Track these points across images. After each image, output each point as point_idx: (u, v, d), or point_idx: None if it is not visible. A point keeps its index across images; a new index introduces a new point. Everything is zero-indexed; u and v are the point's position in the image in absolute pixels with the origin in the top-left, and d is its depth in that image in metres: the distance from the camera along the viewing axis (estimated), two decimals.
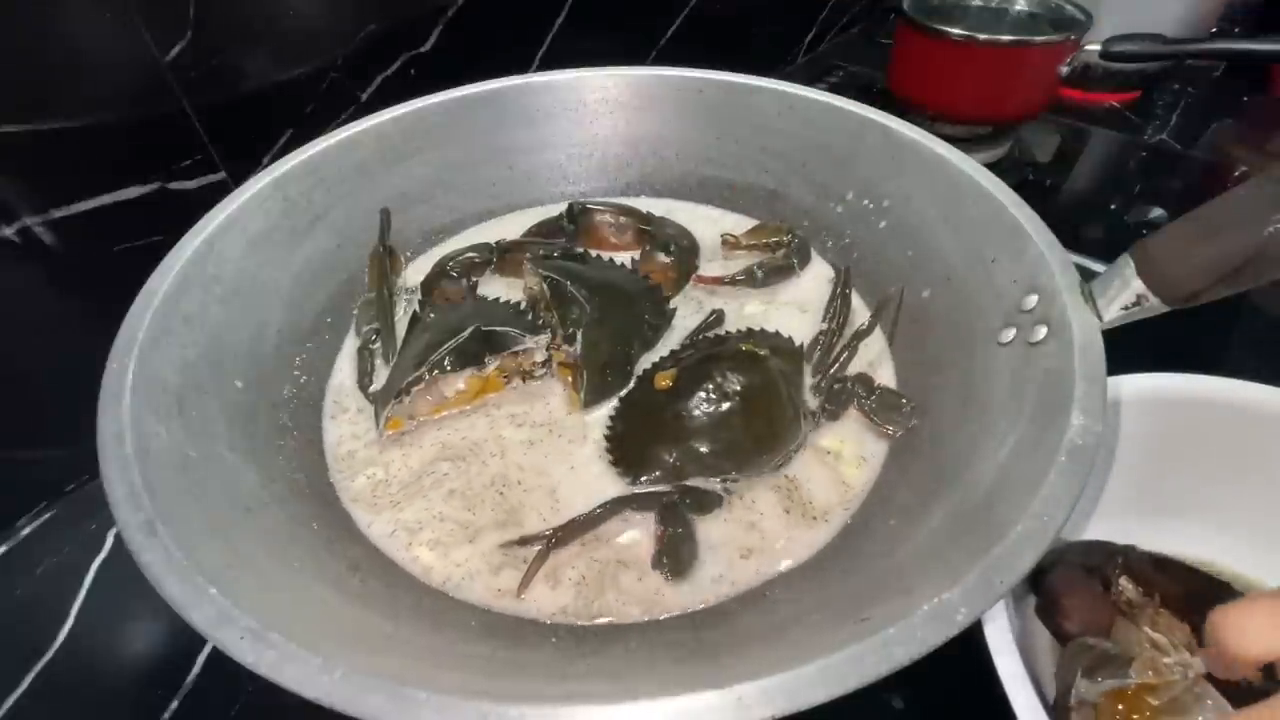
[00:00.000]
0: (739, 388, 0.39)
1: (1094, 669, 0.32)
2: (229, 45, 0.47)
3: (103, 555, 0.45)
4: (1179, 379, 0.38)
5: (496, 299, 0.46)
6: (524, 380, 0.43)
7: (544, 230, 0.53)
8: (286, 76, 0.50)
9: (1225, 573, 0.38)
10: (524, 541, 0.35)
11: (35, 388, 0.45)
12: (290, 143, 0.51)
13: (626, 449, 0.39)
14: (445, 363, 0.40)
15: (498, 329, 0.42)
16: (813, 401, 0.42)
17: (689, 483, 0.38)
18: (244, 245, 0.41)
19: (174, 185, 0.47)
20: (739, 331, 0.45)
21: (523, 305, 0.46)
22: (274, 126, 0.51)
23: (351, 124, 0.48)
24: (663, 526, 0.36)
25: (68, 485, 0.48)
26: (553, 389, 0.44)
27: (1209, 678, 0.31)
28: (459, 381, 0.41)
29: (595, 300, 0.44)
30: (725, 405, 0.39)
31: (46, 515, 0.47)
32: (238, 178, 0.48)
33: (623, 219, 0.53)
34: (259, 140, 0.51)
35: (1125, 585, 0.36)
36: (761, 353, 0.42)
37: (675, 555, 0.35)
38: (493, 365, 0.41)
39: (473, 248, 0.51)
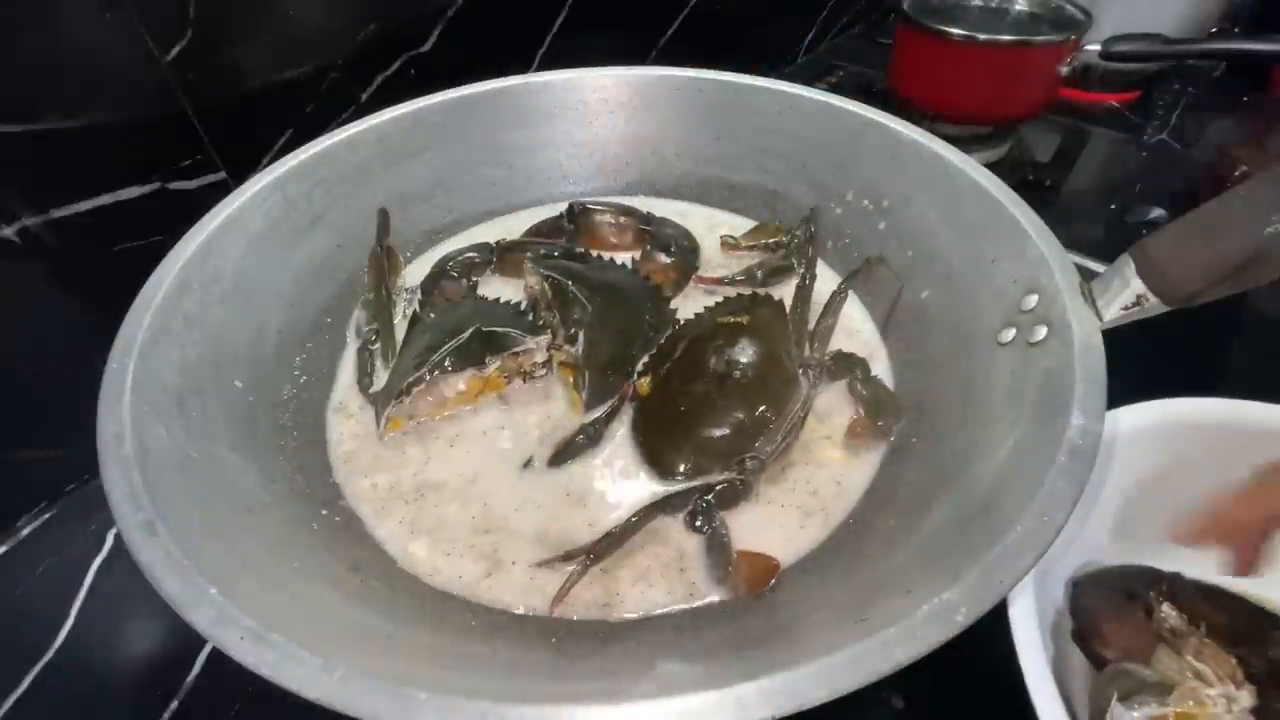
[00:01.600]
0: (730, 364, 0.39)
1: (1131, 695, 0.31)
2: (229, 45, 0.47)
3: (103, 555, 0.45)
4: (1202, 403, 0.37)
5: (497, 299, 0.46)
6: (524, 381, 0.43)
7: (544, 230, 0.53)
8: (286, 76, 0.50)
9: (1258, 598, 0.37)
10: (567, 557, 0.35)
11: (35, 388, 0.45)
12: (290, 143, 0.51)
13: (648, 452, 0.39)
14: (445, 363, 0.40)
15: (498, 329, 0.42)
16: (806, 354, 0.42)
17: (708, 479, 0.37)
18: (244, 245, 0.41)
19: (174, 185, 0.47)
20: (717, 304, 0.45)
21: (523, 306, 0.46)
22: (274, 126, 0.51)
23: (351, 124, 0.48)
24: (697, 534, 0.36)
25: (68, 485, 0.48)
26: (554, 390, 0.44)
27: (1255, 712, 0.30)
28: (459, 382, 0.41)
29: (597, 300, 0.44)
30: (722, 386, 0.39)
31: (46, 515, 0.47)
32: (238, 178, 0.48)
33: (623, 219, 0.53)
34: (259, 140, 0.51)
35: (1169, 613, 0.34)
36: (743, 320, 0.42)
37: (714, 560, 0.35)
38: (493, 366, 0.41)
39: (473, 247, 0.51)
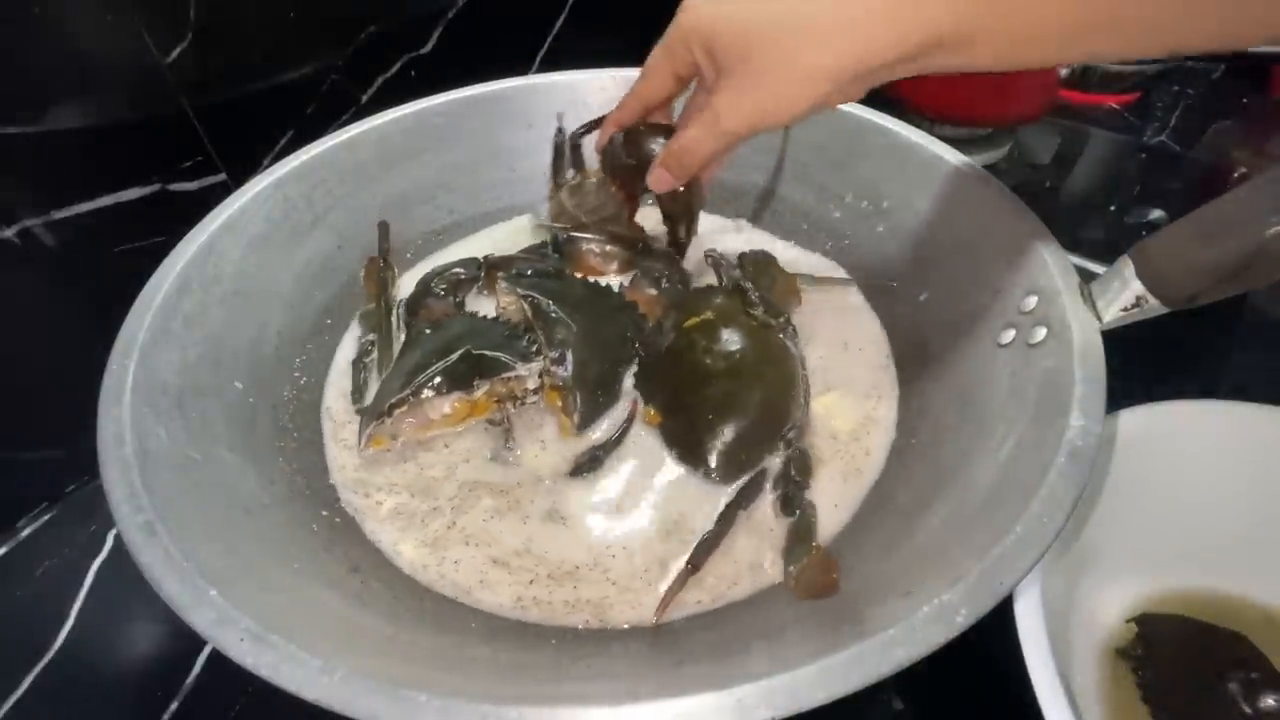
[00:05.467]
0: (728, 356, 0.40)
1: None
2: (229, 46, 0.47)
3: (103, 556, 0.45)
4: (1202, 406, 0.37)
5: (494, 318, 0.44)
6: (514, 407, 0.41)
7: (534, 252, 0.51)
8: (287, 78, 0.50)
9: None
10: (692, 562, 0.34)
11: (35, 388, 0.45)
12: (291, 144, 0.51)
13: (694, 457, 0.38)
14: (432, 385, 0.38)
15: (489, 353, 0.40)
16: (774, 322, 0.43)
17: (764, 466, 0.38)
18: (244, 246, 0.41)
19: (174, 186, 0.47)
20: (665, 313, 0.45)
21: (520, 328, 0.43)
22: (274, 128, 0.51)
23: (352, 125, 0.48)
24: (786, 516, 0.36)
25: (68, 486, 0.48)
26: (543, 412, 0.42)
27: None
28: (445, 405, 0.39)
29: (579, 318, 0.42)
30: (734, 378, 0.39)
31: (47, 516, 0.47)
32: (238, 179, 0.48)
33: (609, 248, 0.50)
34: (259, 141, 0.51)
35: None
36: (709, 315, 0.42)
37: (796, 542, 0.34)
38: (481, 390, 0.39)
39: (459, 263, 0.48)
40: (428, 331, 0.43)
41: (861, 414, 0.42)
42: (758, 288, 0.45)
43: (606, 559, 0.36)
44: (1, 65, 0.38)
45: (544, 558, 0.36)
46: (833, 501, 0.38)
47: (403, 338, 0.44)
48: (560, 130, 0.53)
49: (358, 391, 0.43)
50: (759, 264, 0.48)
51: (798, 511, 0.35)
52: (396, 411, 0.38)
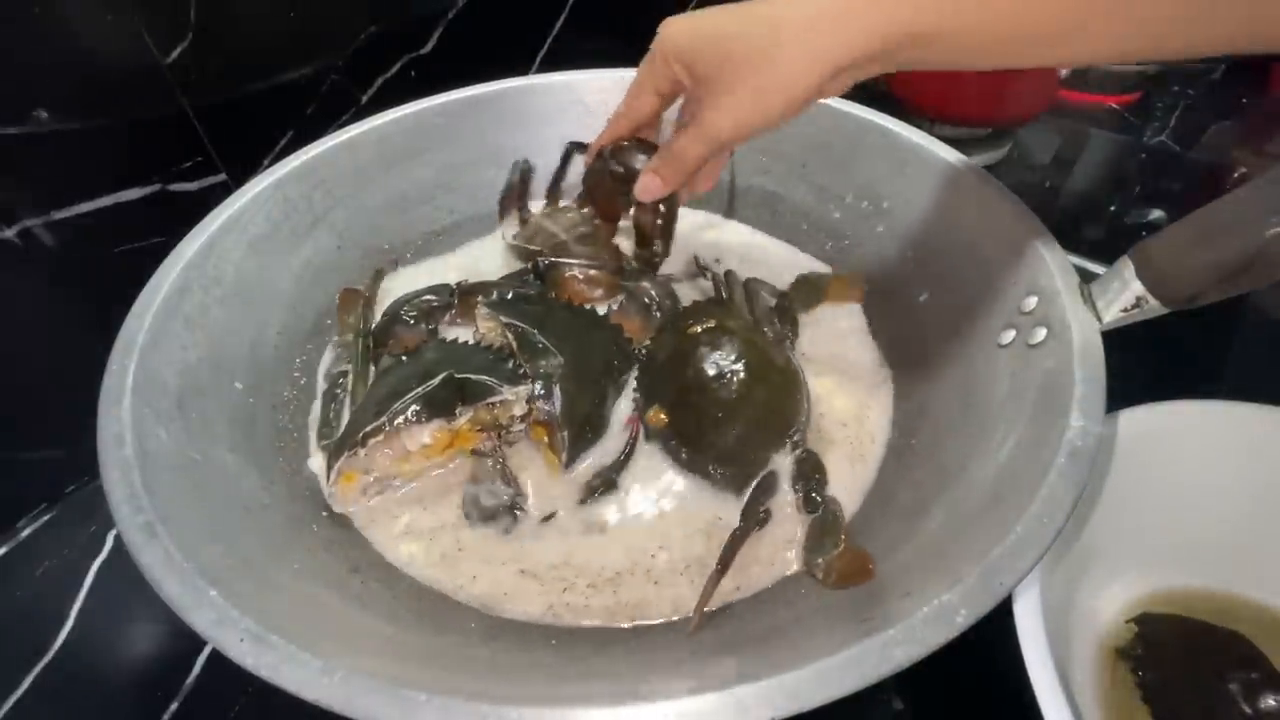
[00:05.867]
0: (735, 361, 0.40)
1: None
2: (229, 46, 0.47)
3: (103, 557, 0.45)
4: (1203, 406, 0.37)
5: (476, 343, 0.42)
6: (500, 436, 0.38)
7: (512, 277, 0.49)
8: (287, 78, 0.50)
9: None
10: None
11: (35, 388, 0.45)
12: (291, 144, 0.51)
13: (702, 464, 0.38)
14: (410, 412, 0.35)
15: (472, 376, 0.37)
16: (771, 332, 0.44)
17: (773, 468, 0.38)
18: (244, 247, 0.41)
19: (175, 187, 0.47)
20: (666, 321, 0.45)
21: (505, 351, 0.40)
22: (274, 128, 0.51)
23: (352, 125, 0.48)
24: (810, 513, 0.36)
25: (68, 487, 0.48)
26: (525, 448, 0.40)
27: None
28: (425, 434, 0.36)
29: (565, 348, 0.40)
30: (744, 382, 0.39)
31: (46, 517, 0.47)
32: (238, 179, 0.48)
33: (593, 273, 0.48)
34: (259, 142, 0.51)
35: None
36: (711, 324, 0.42)
37: (824, 536, 0.34)
38: (464, 417, 0.36)
39: (430, 290, 0.46)
40: (403, 359, 0.41)
41: (862, 392, 0.42)
42: (806, 304, 0.46)
43: (646, 560, 0.36)
44: (1, 65, 0.38)
45: (584, 567, 0.35)
46: (844, 487, 0.38)
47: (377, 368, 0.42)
48: (527, 162, 0.54)
49: (327, 426, 0.40)
50: (798, 286, 0.48)
51: (821, 507, 0.36)
52: (371, 442, 0.35)
